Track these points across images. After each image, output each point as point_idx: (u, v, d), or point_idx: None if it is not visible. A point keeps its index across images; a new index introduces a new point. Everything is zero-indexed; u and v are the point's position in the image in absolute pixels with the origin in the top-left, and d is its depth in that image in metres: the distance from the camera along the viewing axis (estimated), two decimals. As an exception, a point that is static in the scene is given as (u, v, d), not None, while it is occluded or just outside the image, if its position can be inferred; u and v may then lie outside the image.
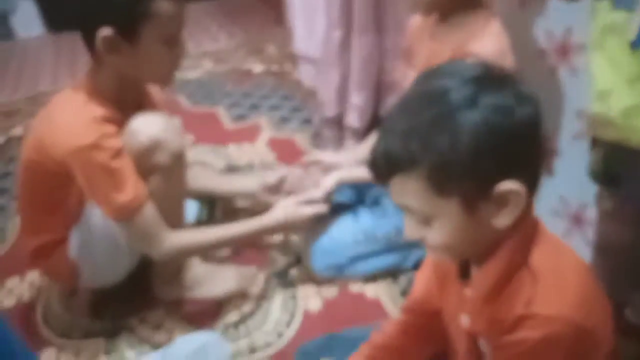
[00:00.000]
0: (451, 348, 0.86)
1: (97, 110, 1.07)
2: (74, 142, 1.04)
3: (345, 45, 1.68)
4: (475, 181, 0.61)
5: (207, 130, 2.12)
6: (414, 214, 0.67)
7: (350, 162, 1.42)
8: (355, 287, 1.34)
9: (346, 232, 1.33)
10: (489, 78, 0.62)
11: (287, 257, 1.46)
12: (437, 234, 0.66)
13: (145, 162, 1.11)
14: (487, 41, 1.05)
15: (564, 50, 1.11)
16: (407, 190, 0.64)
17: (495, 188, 0.61)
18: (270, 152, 1.94)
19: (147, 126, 1.11)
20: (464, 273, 0.76)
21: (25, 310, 1.34)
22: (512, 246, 0.67)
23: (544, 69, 1.17)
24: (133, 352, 1.24)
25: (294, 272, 1.41)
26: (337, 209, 1.45)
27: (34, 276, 1.48)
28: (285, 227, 1.27)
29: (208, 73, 2.67)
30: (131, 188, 1.07)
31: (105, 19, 1.01)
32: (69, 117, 1.07)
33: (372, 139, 1.42)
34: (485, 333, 0.74)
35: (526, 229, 0.68)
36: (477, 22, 1.08)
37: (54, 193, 1.16)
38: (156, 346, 1.23)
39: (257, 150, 1.97)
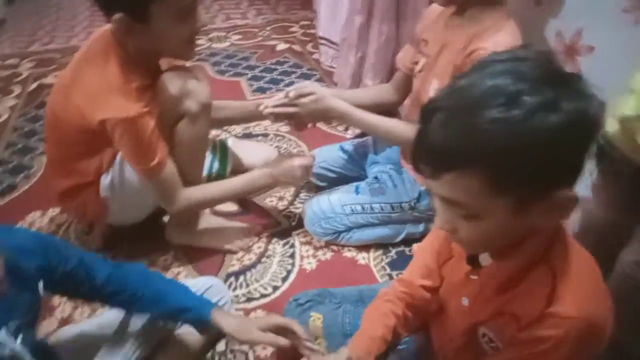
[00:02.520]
0: (441, 323, 0.90)
1: (133, 80, 1.17)
2: (118, 114, 1.14)
3: (364, 30, 1.76)
4: (538, 185, 0.60)
5: (229, 99, 2.22)
6: (459, 208, 0.64)
7: None
8: (349, 253, 1.45)
9: (346, 202, 1.42)
10: (558, 78, 0.59)
11: (290, 220, 1.57)
12: (476, 230, 0.65)
13: (177, 107, 1.25)
14: (501, 37, 1.09)
15: (572, 52, 1.15)
16: (461, 186, 0.61)
17: (555, 194, 0.60)
18: (285, 125, 2.04)
19: (180, 78, 1.25)
20: (473, 258, 0.77)
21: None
22: (537, 243, 0.68)
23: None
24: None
25: (294, 234, 1.52)
26: (340, 180, 1.56)
27: (54, 212, 1.61)
28: (277, 179, 1.38)
29: (235, 46, 2.76)
30: (160, 152, 1.21)
31: (116, 4, 1.09)
32: (107, 88, 1.15)
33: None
34: (492, 322, 0.74)
35: (552, 227, 0.69)
36: (492, 18, 1.13)
37: (92, 146, 1.26)
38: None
39: (273, 122, 2.07)
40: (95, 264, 0.94)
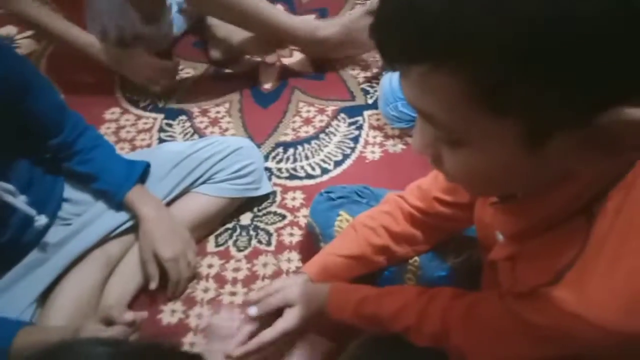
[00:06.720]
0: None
1: None
2: None
3: None
4: (576, 99, 0.34)
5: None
6: (435, 125, 0.41)
7: None
8: (423, 151, 1.15)
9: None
10: None
11: (367, 96, 1.29)
12: (463, 162, 0.43)
13: None
14: None
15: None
16: (435, 89, 0.37)
17: (603, 115, 0.34)
18: None
19: None
20: None
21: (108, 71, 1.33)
22: (577, 189, 0.43)
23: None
24: (182, 137, 1.24)
25: (366, 114, 1.24)
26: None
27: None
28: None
29: None
30: None
31: None
32: None
33: None
34: (502, 264, 0.55)
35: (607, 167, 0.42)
36: None
37: None
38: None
39: None
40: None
